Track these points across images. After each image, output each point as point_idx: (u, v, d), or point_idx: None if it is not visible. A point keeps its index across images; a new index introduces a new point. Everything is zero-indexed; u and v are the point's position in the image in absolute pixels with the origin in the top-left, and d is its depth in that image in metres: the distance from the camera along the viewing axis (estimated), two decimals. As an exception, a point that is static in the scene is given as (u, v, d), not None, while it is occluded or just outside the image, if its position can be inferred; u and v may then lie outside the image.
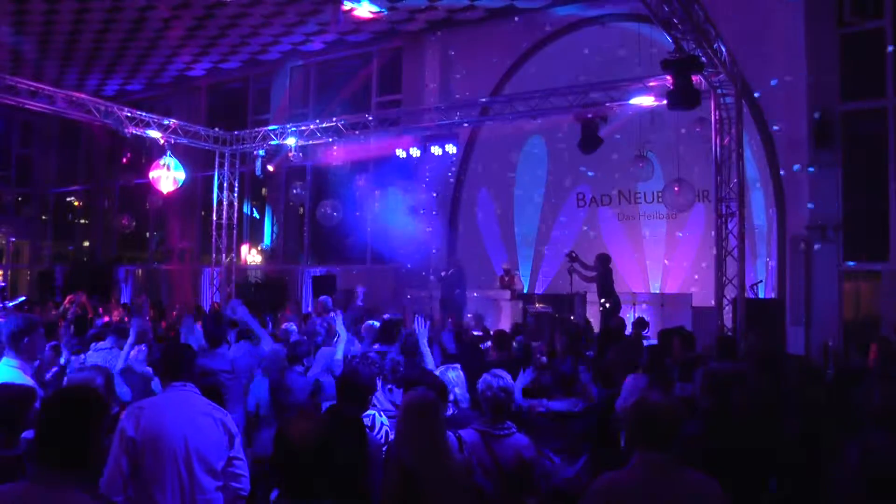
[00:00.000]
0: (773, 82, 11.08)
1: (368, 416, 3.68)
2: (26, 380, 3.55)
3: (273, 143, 13.68)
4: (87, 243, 20.64)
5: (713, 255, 9.67)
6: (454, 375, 3.96)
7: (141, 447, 3.00)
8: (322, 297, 8.32)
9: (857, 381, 3.85)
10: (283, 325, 6.65)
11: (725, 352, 5.77)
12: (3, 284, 14.15)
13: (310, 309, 11.77)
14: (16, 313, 4.30)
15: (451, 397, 3.87)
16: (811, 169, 10.55)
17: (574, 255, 10.72)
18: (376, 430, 3.62)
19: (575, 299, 11.56)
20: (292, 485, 2.00)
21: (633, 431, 2.58)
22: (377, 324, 6.75)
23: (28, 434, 3.01)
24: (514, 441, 3.33)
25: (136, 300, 12.83)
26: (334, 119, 13.09)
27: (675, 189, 10.46)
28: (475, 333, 8.31)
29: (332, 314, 7.20)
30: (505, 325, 10.56)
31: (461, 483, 2.84)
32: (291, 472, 2.01)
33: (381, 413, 3.71)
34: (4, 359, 3.64)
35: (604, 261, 10.50)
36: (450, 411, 3.83)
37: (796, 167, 10.87)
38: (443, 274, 11.95)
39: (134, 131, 12.43)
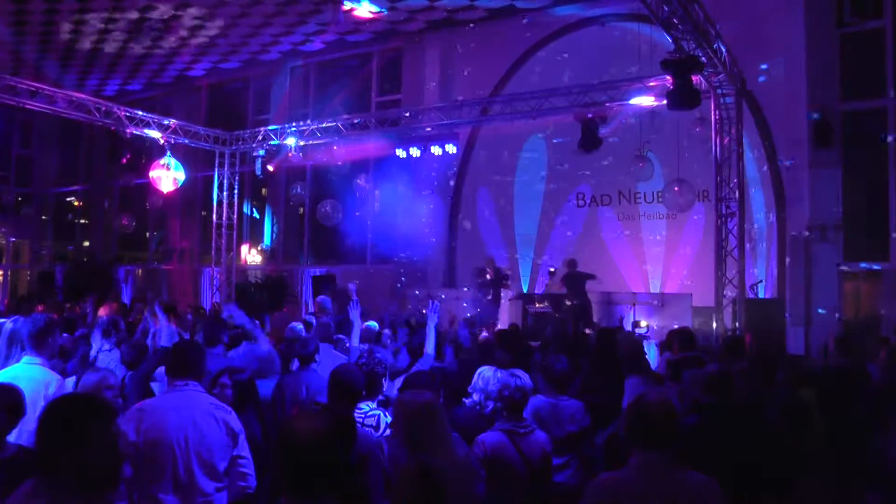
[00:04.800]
0: (772, 82, 11.08)
1: (373, 415, 3.67)
2: (51, 374, 3.67)
3: (273, 143, 13.68)
4: (87, 243, 20.63)
5: (713, 255, 9.67)
6: (500, 376, 3.94)
7: (142, 451, 2.98)
8: (320, 298, 8.30)
9: (848, 381, 3.85)
10: (290, 324, 6.65)
11: (733, 352, 5.76)
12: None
13: (310, 310, 11.76)
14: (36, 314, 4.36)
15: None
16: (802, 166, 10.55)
17: (552, 270, 11.66)
18: (381, 429, 3.61)
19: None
20: (293, 484, 2.00)
21: (632, 431, 2.58)
22: (375, 325, 6.76)
23: (18, 439, 2.99)
24: (537, 436, 3.49)
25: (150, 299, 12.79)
26: (334, 119, 13.09)
27: (675, 189, 10.46)
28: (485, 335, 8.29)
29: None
30: (504, 325, 10.57)
31: (471, 478, 2.86)
32: (293, 471, 2.01)
33: (387, 413, 3.69)
34: (25, 357, 3.73)
35: (570, 264, 11.27)
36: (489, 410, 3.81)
37: (790, 161, 10.87)
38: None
39: (134, 131, 12.43)
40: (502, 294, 12.07)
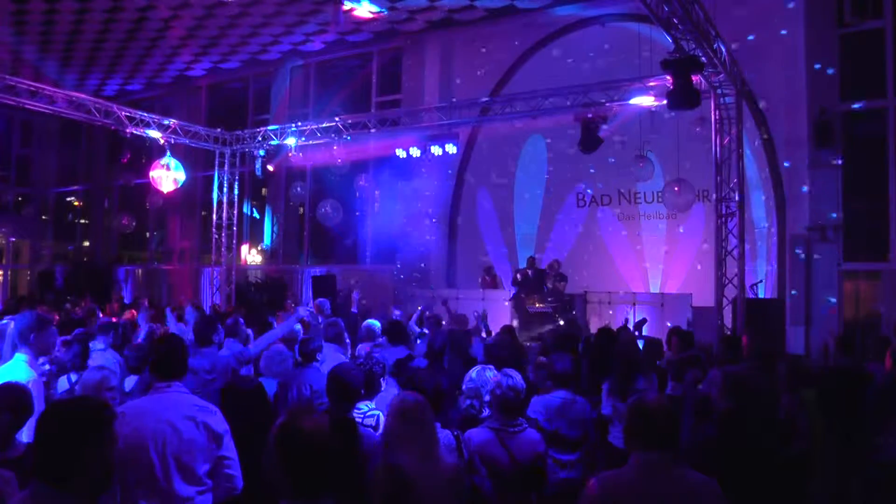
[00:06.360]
0: (772, 82, 11.07)
1: (373, 415, 3.67)
2: (31, 372, 3.66)
3: (273, 143, 13.68)
4: (87, 243, 20.65)
5: (713, 255, 9.66)
6: (491, 375, 3.95)
7: (123, 455, 2.87)
8: (319, 300, 8.30)
9: (849, 382, 3.85)
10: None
11: (731, 351, 5.76)
12: None
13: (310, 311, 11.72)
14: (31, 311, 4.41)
15: (487, 398, 3.84)
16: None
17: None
18: (380, 429, 3.61)
19: (575, 299, 11.59)
20: (294, 484, 2.00)
21: (632, 432, 2.58)
22: (377, 323, 6.74)
23: (27, 437, 3.00)
24: (528, 436, 3.49)
25: (139, 301, 12.82)
26: (334, 119, 13.09)
27: (675, 189, 10.46)
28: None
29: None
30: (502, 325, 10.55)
31: (453, 485, 2.84)
32: (296, 471, 2.01)
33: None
34: (17, 353, 3.78)
35: (554, 266, 11.91)
36: (486, 413, 3.81)
37: (795, 167, 10.87)
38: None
39: (134, 131, 12.43)
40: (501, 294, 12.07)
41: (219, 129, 14.64)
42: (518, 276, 11.97)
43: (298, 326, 6.57)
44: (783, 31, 10.99)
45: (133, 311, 9.51)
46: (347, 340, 6.03)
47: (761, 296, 10.76)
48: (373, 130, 12.70)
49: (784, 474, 3.18)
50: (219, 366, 4.85)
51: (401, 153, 12.44)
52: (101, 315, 8.40)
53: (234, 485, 3.10)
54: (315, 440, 1.99)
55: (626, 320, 9.47)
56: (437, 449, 2.92)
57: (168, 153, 13.07)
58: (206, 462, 3.03)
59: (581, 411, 4.33)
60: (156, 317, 8.06)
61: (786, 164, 11.06)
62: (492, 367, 4.08)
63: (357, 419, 3.58)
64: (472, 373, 3.97)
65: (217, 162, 14.83)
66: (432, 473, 2.77)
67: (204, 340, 5.04)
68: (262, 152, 13.77)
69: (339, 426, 2.08)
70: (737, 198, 9.39)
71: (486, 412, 3.82)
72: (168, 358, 3.24)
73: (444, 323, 7.93)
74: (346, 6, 12.02)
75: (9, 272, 20.67)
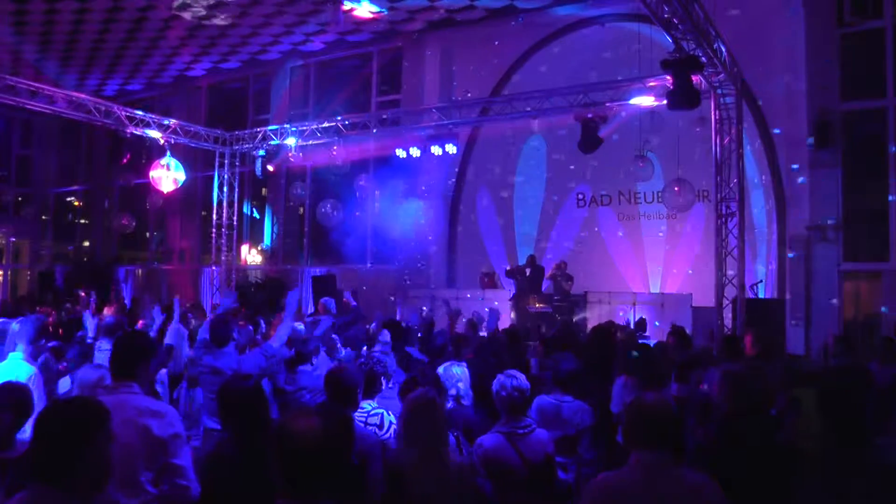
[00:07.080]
0: (772, 82, 11.07)
1: (377, 414, 3.68)
2: (31, 368, 3.76)
3: (273, 143, 13.68)
4: (87, 243, 20.64)
5: (713, 255, 9.66)
6: (459, 371, 3.94)
7: None
8: (324, 300, 8.30)
9: (850, 381, 3.84)
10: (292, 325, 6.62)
11: (732, 351, 5.75)
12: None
13: (310, 310, 11.74)
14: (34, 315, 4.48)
15: (454, 392, 3.86)
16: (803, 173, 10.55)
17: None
18: (385, 429, 3.61)
19: (575, 299, 11.59)
20: (291, 485, 2.00)
21: (631, 431, 2.57)
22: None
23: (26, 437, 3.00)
24: (537, 436, 3.46)
25: (140, 300, 12.81)
26: (334, 119, 13.10)
27: (675, 189, 10.46)
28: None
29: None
30: (503, 325, 10.55)
31: (458, 484, 2.84)
32: (292, 471, 2.01)
33: (390, 412, 3.70)
34: (12, 352, 3.88)
35: (559, 267, 11.93)
36: (449, 405, 3.82)
37: (795, 167, 10.88)
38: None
39: (134, 131, 12.44)
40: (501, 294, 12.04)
41: (219, 129, 14.65)
42: (515, 271, 11.92)
43: (301, 326, 6.56)
44: (783, 31, 10.98)
45: (111, 307, 9.50)
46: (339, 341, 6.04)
47: (761, 296, 10.77)
48: (373, 130, 12.71)
49: (782, 473, 3.18)
50: (246, 364, 4.82)
51: (401, 153, 12.44)
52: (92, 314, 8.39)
53: (186, 495, 2.85)
54: (309, 440, 1.99)
55: (640, 321, 9.42)
56: (445, 448, 2.91)
57: (168, 153, 13.08)
58: (147, 470, 2.79)
59: (569, 414, 4.22)
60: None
61: (786, 165, 11.05)
62: (462, 363, 4.08)
63: (361, 419, 3.58)
64: (440, 368, 3.98)
65: (217, 162, 14.84)
66: (436, 472, 2.77)
67: (222, 340, 5.02)
68: (261, 152, 13.78)
69: (335, 425, 2.07)
70: (737, 198, 9.39)
71: (449, 404, 3.82)
72: (120, 357, 3.00)
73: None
74: (346, 6, 12.03)
75: (9, 272, 20.67)
